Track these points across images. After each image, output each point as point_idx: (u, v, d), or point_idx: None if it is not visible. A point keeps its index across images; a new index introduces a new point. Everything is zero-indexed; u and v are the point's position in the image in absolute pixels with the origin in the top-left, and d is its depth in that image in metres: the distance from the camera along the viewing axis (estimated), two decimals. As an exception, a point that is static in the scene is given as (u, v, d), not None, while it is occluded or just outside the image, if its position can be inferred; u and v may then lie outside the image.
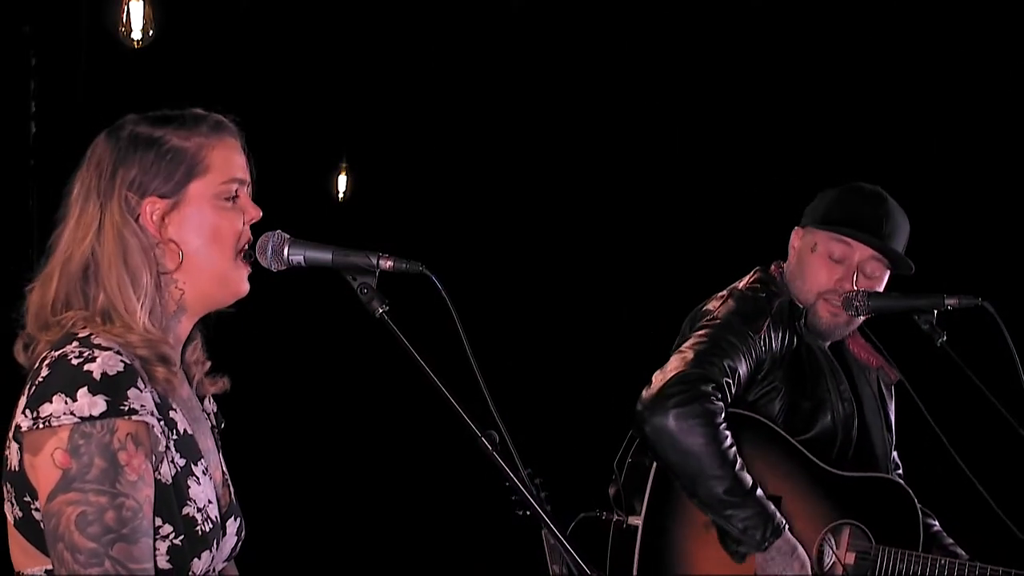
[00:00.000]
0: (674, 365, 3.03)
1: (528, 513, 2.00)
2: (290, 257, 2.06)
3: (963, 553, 3.20)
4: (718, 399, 2.98)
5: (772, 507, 2.96)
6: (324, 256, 2.07)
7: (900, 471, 3.34)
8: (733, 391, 3.04)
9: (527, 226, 6.75)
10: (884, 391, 3.33)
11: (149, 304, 1.93)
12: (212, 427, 2.13)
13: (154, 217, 1.95)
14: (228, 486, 2.07)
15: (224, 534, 2.00)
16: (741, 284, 3.24)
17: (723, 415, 2.98)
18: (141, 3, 5.14)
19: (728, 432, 2.97)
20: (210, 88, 6.14)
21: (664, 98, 6.24)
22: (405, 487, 6.61)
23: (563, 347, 6.60)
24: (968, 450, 3.40)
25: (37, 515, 1.81)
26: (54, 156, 5.30)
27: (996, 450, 3.70)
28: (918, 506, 3.14)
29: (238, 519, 2.07)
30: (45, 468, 1.77)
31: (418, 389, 2.01)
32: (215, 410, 2.18)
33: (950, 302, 3.04)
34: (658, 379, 3.02)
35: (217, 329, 2.12)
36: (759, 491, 2.96)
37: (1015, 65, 5.27)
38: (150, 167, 1.94)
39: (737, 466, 2.95)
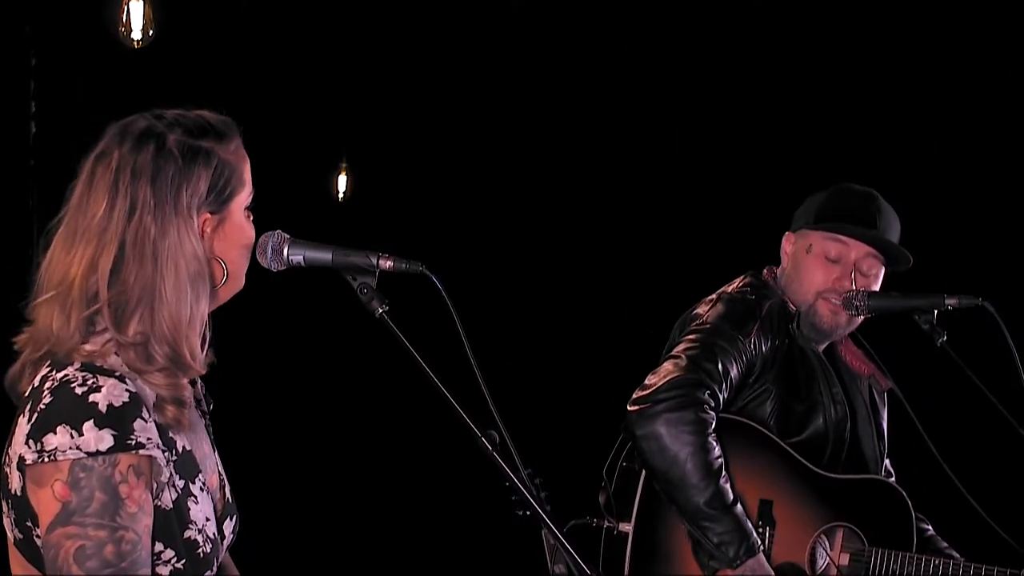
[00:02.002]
0: (668, 369, 3.02)
1: (528, 513, 2.00)
2: (290, 257, 2.06)
3: (958, 555, 3.19)
4: (711, 407, 2.98)
5: (749, 526, 2.95)
6: (324, 256, 2.06)
7: (893, 479, 3.33)
8: (725, 396, 3.04)
9: (527, 226, 6.75)
10: (876, 399, 3.32)
11: (202, 331, 1.90)
12: (203, 415, 2.11)
13: (206, 235, 1.91)
14: (224, 487, 2.05)
15: (223, 539, 1.99)
16: (730, 288, 3.23)
17: (714, 425, 2.97)
18: (141, 3, 5.14)
19: (716, 443, 2.96)
20: (210, 88, 6.13)
21: (664, 99, 6.24)
22: (405, 487, 6.62)
23: (563, 347, 6.60)
24: (968, 451, 3.41)
25: (38, 541, 1.80)
26: (54, 156, 5.30)
27: (996, 450, 3.70)
28: (911, 507, 3.14)
29: (234, 517, 2.06)
30: (46, 499, 1.75)
31: (418, 389, 2.01)
32: (204, 392, 2.16)
33: (950, 302, 3.03)
34: (651, 382, 3.01)
35: (218, 330, 2.12)
36: (739, 507, 2.95)
37: (1015, 65, 5.27)
38: (209, 183, 1.88)
39: (721, 479, 2.94)
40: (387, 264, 2.05)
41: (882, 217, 3.17)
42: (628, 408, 3.00)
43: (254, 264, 2.07)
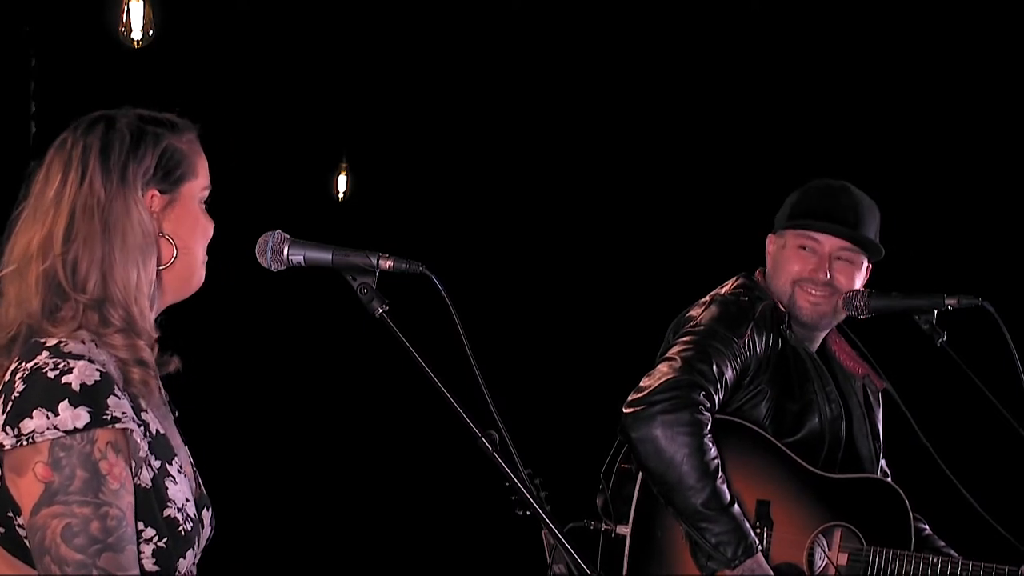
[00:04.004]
0: (662, 371, 3.02)
1: (528, 513, 2.00)
2: (290, 257, 2.07)
3: (955, 554, 3.20)
4: (707, 408, 2.98)
5: (747, 526, 2.95)
6: (324, 256, 2.07)
7: (889, 479, 3.34)
8: (720, 397, 3.04)
9: (527, 226, 6.75)
10: (871, 399, 3.32)
11: (150, 297, 1.95)
12: (175, 419, 2.13)
13: (155, 210, 1.96)
14: (197, 478, 2.07)
15: (202, 527, 2.01)
16: (723, 290, 3.24)
17: (710, 425, 2.97)
18: (141, 3, 5.13)
19: (712, 444, 2.96)
20: (210, 88, 6.13)
21: (664, 102, 6.23)
22: (405, 487, 6.61)
23: (563, 348, 6.60)
24: (968, 451, 3.41)
25: (21, 531, 1.81)
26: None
27: (996, 451, 3.70)
28: (908, 506, 3.14)
29: (209, 509, 2.07)
30: (28, 483, 1.77)
31: (418, 389, 2.01)
32: (167, 399, 2.16)
33: (950, 302, 3.04)
34: (646, 384, 3.01)
35: (219, 330, 2.12)
36: (736, 507, 2.95)
37: (1015, 65, 5.27)
38: (156, 160, 1.96)
39: (718, 479, 2.94)
40: (387, 264, 2.06)
41: (852, 210, 3.19)
42: (623, 411, 3.00)
43: (254, 264, 2.08)
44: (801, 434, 3.14)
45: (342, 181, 7.25)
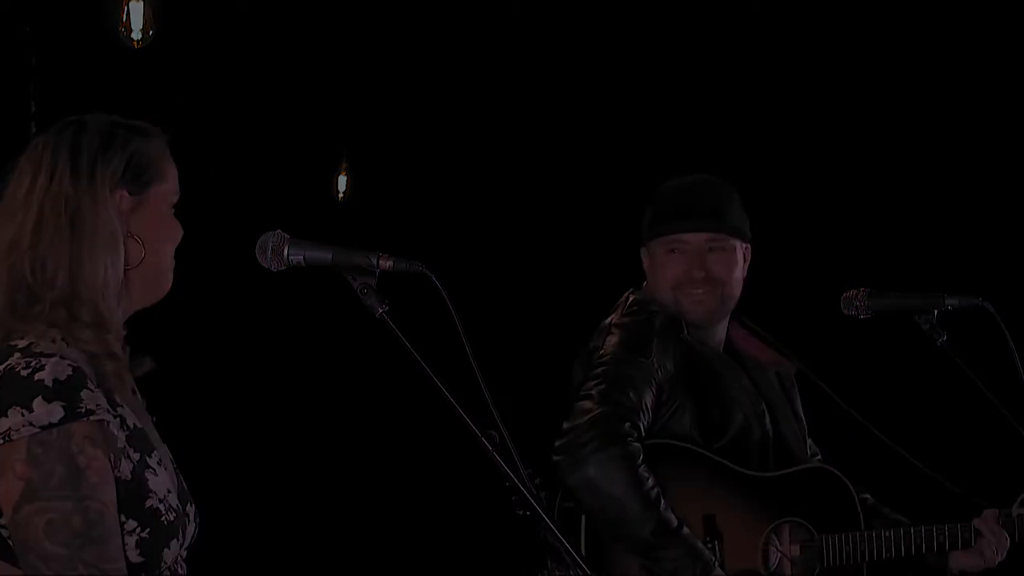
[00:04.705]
0: (584, 408, 2.98)
1: (528, 513, 2.00)
2: (290, 257, 2.07)
3: (904, 519, 3.20)
4: (634, 438, 2.94)
5: (700, 544, 2.93)
6: (324, 256, 2.07)
7: (819, 456, 3.34)
8: (645, 423, 3.00)
9: (528, 226, 6.75)
10: (785, 384, 3.31)
11: (118, 296, 1.96)
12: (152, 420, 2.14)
13: (123, 210, 1.98)
14: (179, 475, 2.08)
15: (187, 520, 2.02)
16: (618, 312, 3.21)
17: (641, 455, 2.93)
18: (141, 3, 5.14)
19: (648, 473, 2.91)
20: (210, 88, 6.14)
21: (666, 101, 6.24)
22: (405, 487, 6.62)
23: (564, 348, 6.60)
24: (967, 450, 3.41)
25: (4, 532, 1.82)
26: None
27: (996, 450, 3.71)
28: (850, 486, 3.14)
29: (192, 505, 2.08)
30: (7, 482, 1.78)
31: (418, 389, 2.01)
32: (144, 405, 2.17)
33: (950, 302, 3.04)
34: (569, 426, 2.96)
35: (219, 330, 2.12)
36: (685, 529, 2.92)
37: (1015, 65, 5.28)
38: (125, 162, 1.98)
39: (661, 506, 2.90)
40: (387, 264, 2.06)
41: (708, 199, 3.20)
42: (553, 457, 2.94)
43: (254, 264, 2.08)
44: (730, 433, 3.11)
45: (342, 181, 7.25)
